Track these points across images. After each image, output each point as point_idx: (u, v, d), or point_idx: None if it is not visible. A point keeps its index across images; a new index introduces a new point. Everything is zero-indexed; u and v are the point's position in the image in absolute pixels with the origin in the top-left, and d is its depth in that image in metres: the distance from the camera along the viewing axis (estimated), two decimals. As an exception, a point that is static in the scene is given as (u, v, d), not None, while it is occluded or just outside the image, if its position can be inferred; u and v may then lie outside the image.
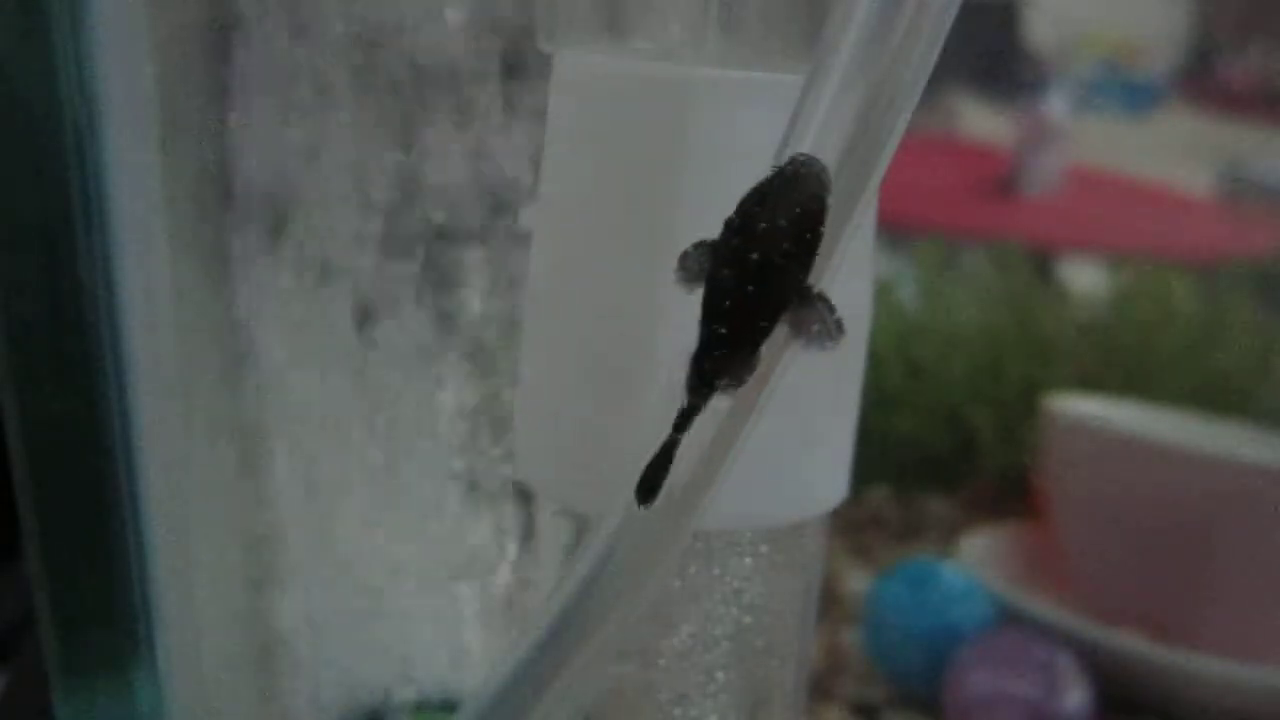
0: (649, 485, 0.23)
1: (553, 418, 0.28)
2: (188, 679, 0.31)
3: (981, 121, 0.95)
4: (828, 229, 0.21)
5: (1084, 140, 0.91)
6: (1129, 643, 0.46)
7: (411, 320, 0.35)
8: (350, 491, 0.36)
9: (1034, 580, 0.51)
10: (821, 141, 0.22)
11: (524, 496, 0.37)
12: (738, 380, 0.22)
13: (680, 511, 0.23)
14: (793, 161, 0.21)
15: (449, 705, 0.38)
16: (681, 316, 0.23)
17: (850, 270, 0.25)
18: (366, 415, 0.35)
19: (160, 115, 0.28)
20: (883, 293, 0.62)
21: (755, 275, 0.21)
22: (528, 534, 0.38)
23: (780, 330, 0.22)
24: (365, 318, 0.35)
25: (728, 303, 0.21)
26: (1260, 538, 0.47)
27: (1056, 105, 0.89)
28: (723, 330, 0.21)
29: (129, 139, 0.26)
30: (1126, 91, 0.97)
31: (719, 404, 0.23)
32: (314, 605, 0.36)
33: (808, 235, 0.21)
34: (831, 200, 0.21)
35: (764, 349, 0.22)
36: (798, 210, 0.21)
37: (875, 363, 0.29)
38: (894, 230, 0.69)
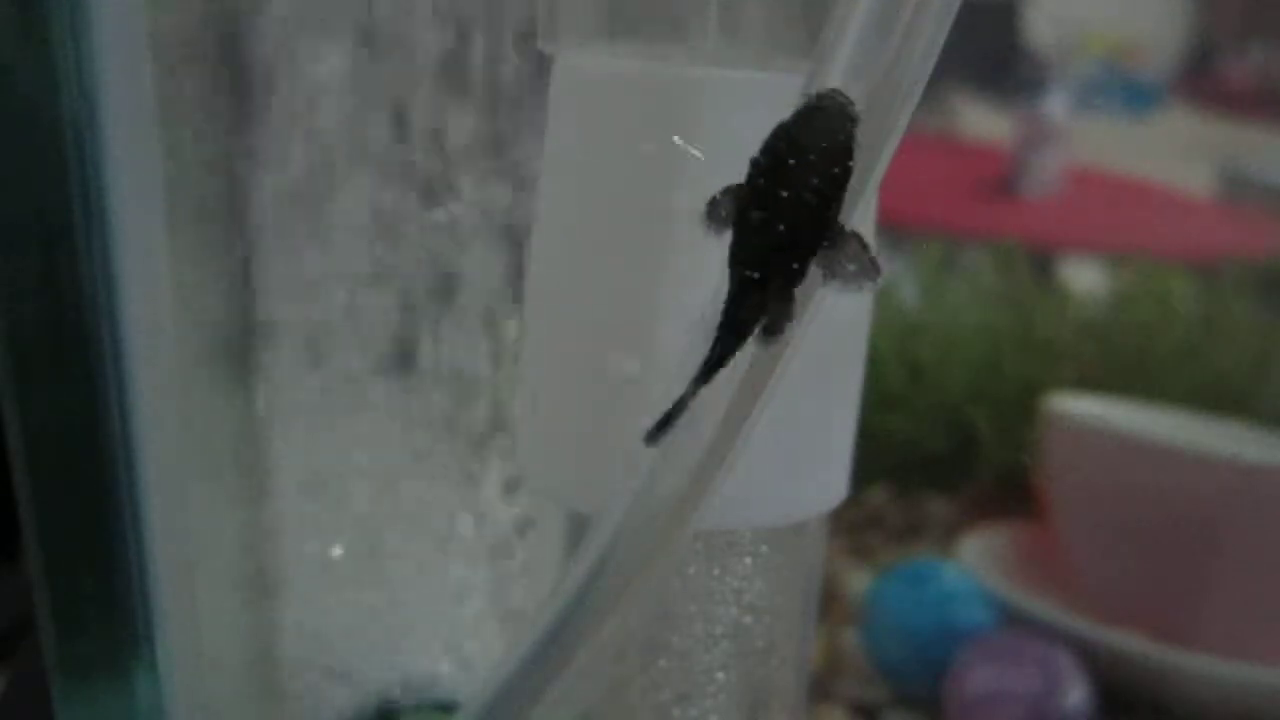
0: (657, 430, 0.22)
1: (553, 417, 0.28)
2: (188, 679, 0.31)
3: (981, 121, 0.95)
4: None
5: (1084, 140, 0.91)
6: (1129, 643, 0.46)
7: (416, 315, 0.35)
8: (351, 491, 0.36)
9: (1034, 580, 0.51)
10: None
11: (525, 496, 0.37)
12: (777, 329, 0.21)
13: (680, 511, 0.23)
14: (818, 96, 0.21)
15: (449, 705, 0.38)
16: (681, 316, 0.23)
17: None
18: (368, 415, 0.35)
19: (160, 115, 0.28)
20: (883, 293, 0.62)
21: (785, 214, 0.20)
22: (529, 534, 0.38)
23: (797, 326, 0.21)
24: (368, 315, 0.35)
25: (757, 244, 0.21)
26: (1260, 538, 0.47)
27: (1056, 105, 0.89)
28: (754, 275, 0.21)
29: (129, 139, 0.26)
30: (1126, 91, 0.97)
31: (726, 392, 0.22)
32: (314, 605, 0.36)
33: (836, 170, 0.20)
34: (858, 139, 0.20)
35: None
36: (824, 145, 0.20)
37: (875, 363, 0.29)
38: (894, 230, 0.69)
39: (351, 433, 0.35)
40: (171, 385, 0.29)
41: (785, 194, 0.20)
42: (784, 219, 0.20)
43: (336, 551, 0.36)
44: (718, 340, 0.21)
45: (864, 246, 0.21)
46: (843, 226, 0.21)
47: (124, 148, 0.26)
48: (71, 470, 0.28)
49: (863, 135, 0.21)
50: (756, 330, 0.21)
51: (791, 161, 0.20)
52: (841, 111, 0.21)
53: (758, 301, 0.21)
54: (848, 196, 0.21)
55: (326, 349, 0.34)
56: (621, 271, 0.26)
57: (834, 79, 0.21)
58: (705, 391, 0.22)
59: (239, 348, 0.33)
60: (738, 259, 0.21)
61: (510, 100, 0.34)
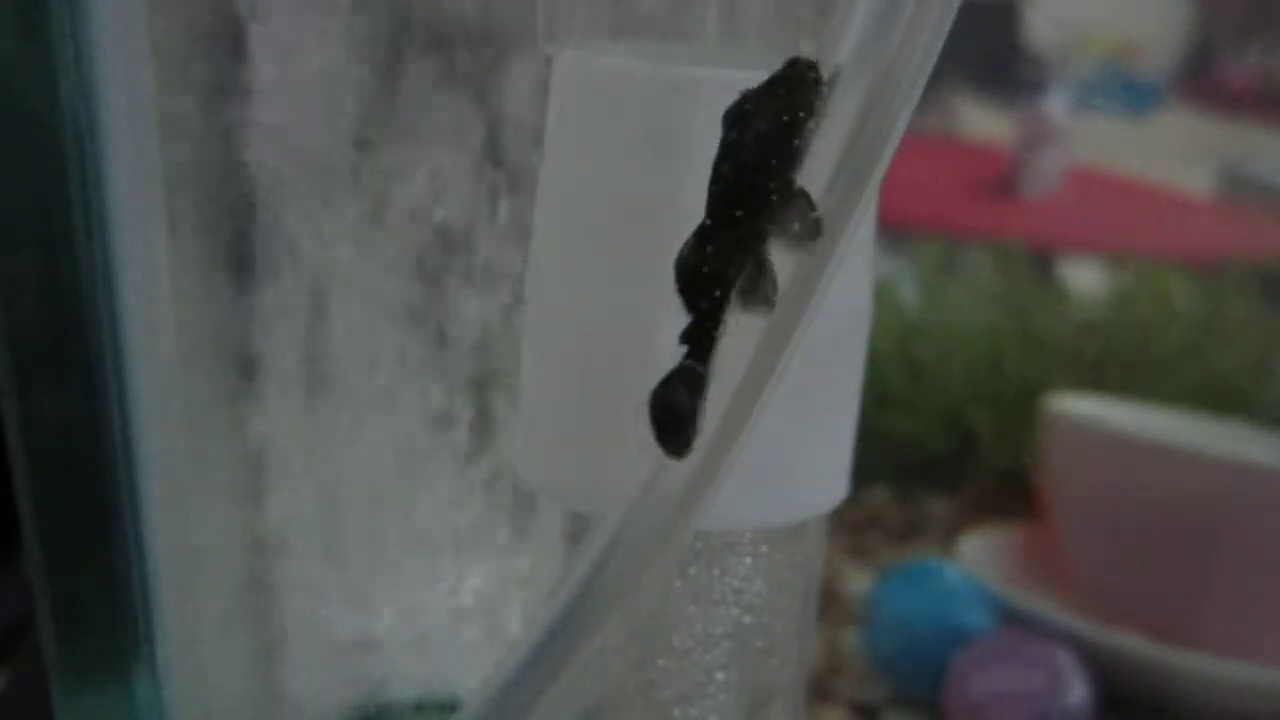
0: (681, 429, 0.22)
1: (553, 417, 0.28)
2: (188, 679, 0.31)
3: (981, 121, 0.95)
4: (827, 228, 0.21)
5: (1084, 140, 0.91)
6: (1129, 643, 0.46)
7: (417, 319, 0.35)
8: (351, 491, 0.36)
9: (1034, 580, 0.51)
10: (822, 141, 0.22)
11: (525, 496, 0.37)
12: (757, 294, 0.21)
13: (680, 511, 0.23)
14: (789, 62, 0.21)
15: (449, 705, 0.38)
16: (683, 315, 0.23)
17: (850, 270, 0.25)
18: (369, 415, 0.35)
19: (160, 115, 0.28)
20: (883, 293, 0.62)
21: (731, 156, 0.21)
22: (529, 534, 0.38)
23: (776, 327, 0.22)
24: (369, 317, 0.35)
25: (714, 189, 0.21)
26: (1260, 538, 0.47)
27: (1056, 105, 0.89)
28: (708, 222, 0.21)
29: (129, 139, 0.26)
30: (1126, 91, 0.97)
31: (726, 391, 0.22)
32: (314, 605, 0.36)
33: (784, 119, 0.21)
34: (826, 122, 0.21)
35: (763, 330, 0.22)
36: (779, 93, 0.21)
37: (875, 363, 0.29)
38: (894, 230, 0.69)
39: (352, 432, 0.35)
40: (171, 385, 0.29)
41: (733, 135, 0.21)
42: (729, 161, 0.21)
43: (337, 552, 0.36)
44: (684, 298, 0.22)
45: (811, 206, 0.21)
46: (792, 181, 0.21)
47: (124, 148, 0.26)
48: (71, 470, 0.28)
49: (860, 137, 0.22)
50: (738, 297, 0.21)
51: (745, 107, 0.21)
52: (800, 71, 0.21)
53: (718, 254, 0.21)
54: (849, 188, 0.21)
55: (327, 348, 0.34)
56: (621, 271, 0.26)
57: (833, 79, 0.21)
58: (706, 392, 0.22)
59: (239, 347, 0.33)
60: (706, 208, 0.22)
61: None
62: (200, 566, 0.32)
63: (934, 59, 0.22)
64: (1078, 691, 0.42)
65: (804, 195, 0.21)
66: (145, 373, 0.28)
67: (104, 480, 0.28)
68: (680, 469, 0.23)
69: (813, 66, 0.21)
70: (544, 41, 0.28)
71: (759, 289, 0.22)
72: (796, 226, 0.21)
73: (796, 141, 0.21)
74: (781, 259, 0.22)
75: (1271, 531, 0.47)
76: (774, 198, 0.21)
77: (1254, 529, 0.47)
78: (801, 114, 0.21)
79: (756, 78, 0.25)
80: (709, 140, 0.24)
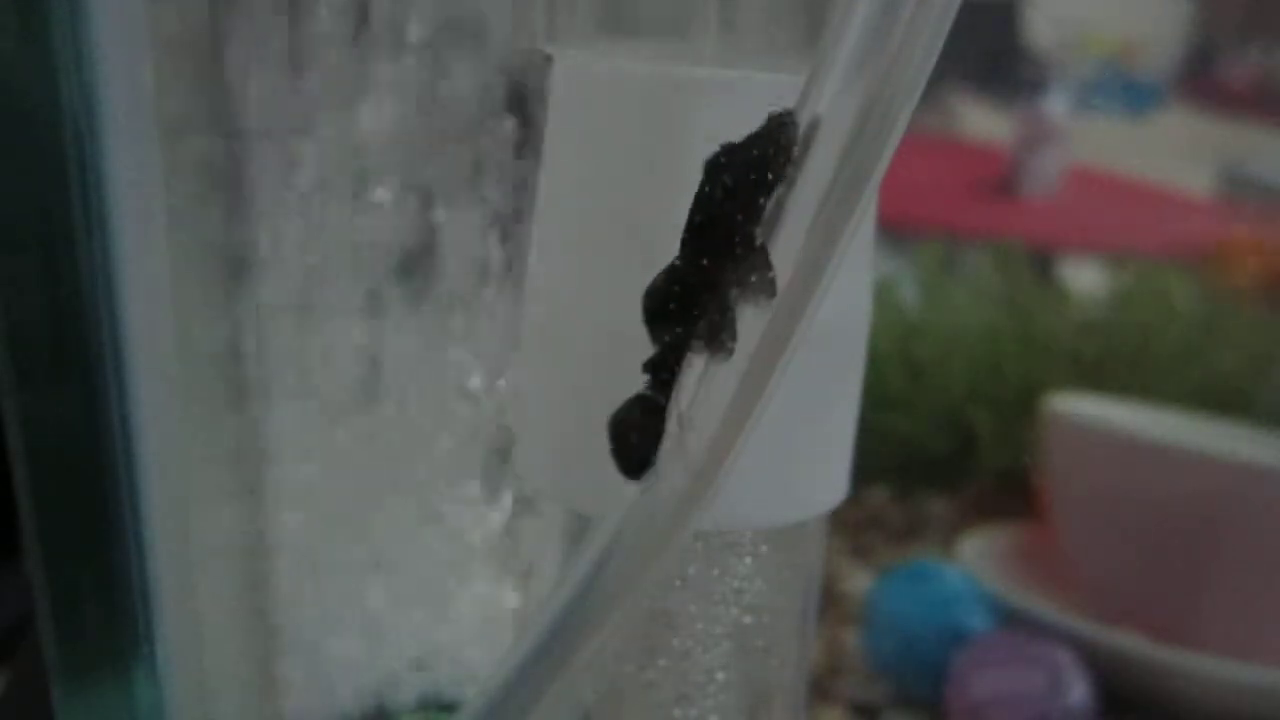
0: (634, 453, 0.22)
1: (553, 418, 0.28)
2: (188, 679, 0.31)
3: (981, 121, 0.95)
4: (825, 231, 0.21)
5: (1084, 140, 0.91)
6: (1129, 643, 0.46)
7: (419, 320, 0.35)
8: (352, 491, 0.36)
9: (1034, 580, 0.51)
10: (822, 141, 0.22)
11: (525, 496, 0.37)
12: (716, 340, 0.22)
13: (681, 511, 0.23)
14: (773, 114, 0.21)
15: (449, 705, 0.38)
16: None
17: (850, 270, 0.25)
18: (371, 414, 0.35)
19: (160, 115, 0.28)
20: (883, 293, 0.61)
21: (702, 206, 0.21)
22: (529, 534, 0.38)
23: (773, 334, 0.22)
24: (371, 317, 0.35)
25: (686, 234, 0.22)
26: (1260, 538, 0.47)
27: (1056, 105, 0.89)
28: (677, 261, 0.22)
29: (129, 139, 0.26)
30: (1126, 91, 0.97)
31: (726, 392, 0.22)
32: (314, 605, 0.36)
33: (751, 175, 0.21)
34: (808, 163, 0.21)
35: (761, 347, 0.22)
36: (752, 151, 0.21)
37: (875, 363, 0.29)
38: (894, 230, 0.69)
39: (353, 432, 0.35)
40: (171, 385, 0.29)
41: (706, 188, 0.21)
42: (700, 210, 0.21)
43: (337, 552, 0.36)
44: (650, 329, 0.22)
45: (768, 265, 0.21)
46: (754, 237, 0.21)
47: (124, 148, 0.26)
48: (71, 471, 0.28)
49: (860, 137, 0.22)
50: (699, 342, 0.22)
51: (722, 160, 0.21)
52: (774, 123, 0.21)
53: (684, 294, 0.22)
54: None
55: (328, 348, 0.34)
56: (621, 271, 0.26)
57: (834, 79, 0.21)
58: (707, 392, 0.22)
59: (239, 347, 0.33)
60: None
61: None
62: (200, 566, 0.32)
63: (934, 59, 0.22)
64: (1078, 691, 0.42)
65: (763, 253, 0.21)
66: (145, 373, 0.28)
67: (104, 480, 0.28)
68: (680, 470, 0.23)
69: (787, 124, 0.21)
70: (544, 41, 0.28)
71: (718, 337, 0.22)
72: (753, 280, 0.21)
73: (762, 200, 0.21)
74: (778, 259, 0.22)
75: (1271, 531, 0.47)
76: (737, 251, 0.21)
77: (1254, 529, 0.47)
78: (770, 175, 0.21)
79: (756, 78, 0.25)
80: (708, 140, 0.24)
